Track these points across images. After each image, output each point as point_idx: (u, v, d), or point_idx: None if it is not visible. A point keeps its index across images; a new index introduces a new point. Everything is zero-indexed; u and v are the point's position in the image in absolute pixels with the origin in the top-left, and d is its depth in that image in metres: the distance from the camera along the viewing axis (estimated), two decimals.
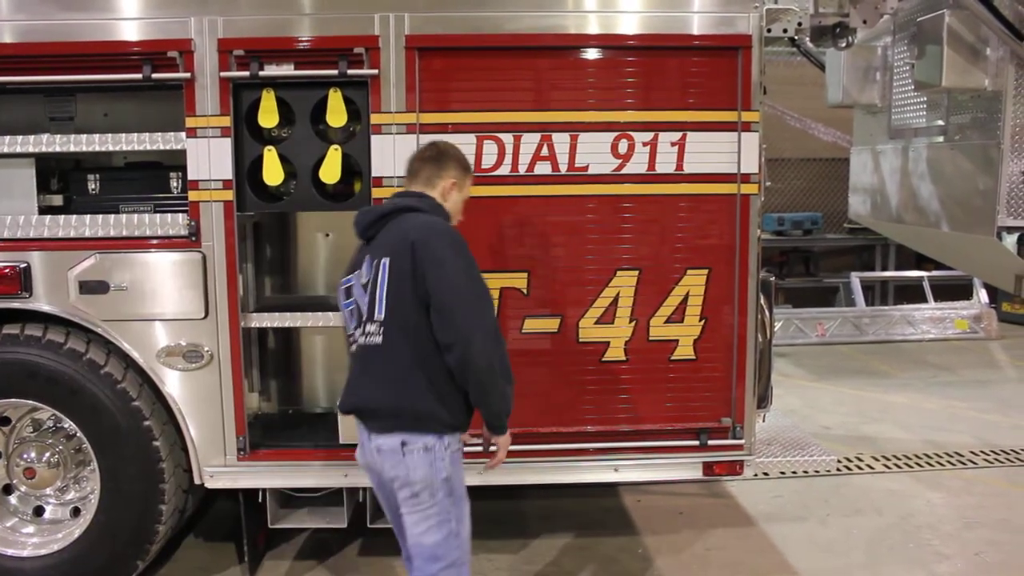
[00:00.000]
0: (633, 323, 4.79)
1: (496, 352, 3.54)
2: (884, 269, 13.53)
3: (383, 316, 3.56)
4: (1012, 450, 7.45)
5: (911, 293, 12.78)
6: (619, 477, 4.93)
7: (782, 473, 6.05)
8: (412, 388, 3.54)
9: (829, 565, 5.36)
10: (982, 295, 12.27)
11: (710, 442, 4.86)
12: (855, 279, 12.61)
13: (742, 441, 4.87)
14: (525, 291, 4.78)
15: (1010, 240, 5.18)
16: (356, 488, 4.96)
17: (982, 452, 7.40)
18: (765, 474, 6.32)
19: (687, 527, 5.86)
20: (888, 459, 7.22)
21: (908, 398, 9.19)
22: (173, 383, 4.74)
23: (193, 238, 4.64)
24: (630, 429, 4.86)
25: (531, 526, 5.85)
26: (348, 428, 4.82)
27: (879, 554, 5.51)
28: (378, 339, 3.57)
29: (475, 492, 5.17)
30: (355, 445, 4.72)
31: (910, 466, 7.07)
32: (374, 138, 4.61)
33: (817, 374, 10.23)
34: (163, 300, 4.67)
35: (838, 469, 6.86)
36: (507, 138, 4.67)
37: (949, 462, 7.17)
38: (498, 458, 3.84)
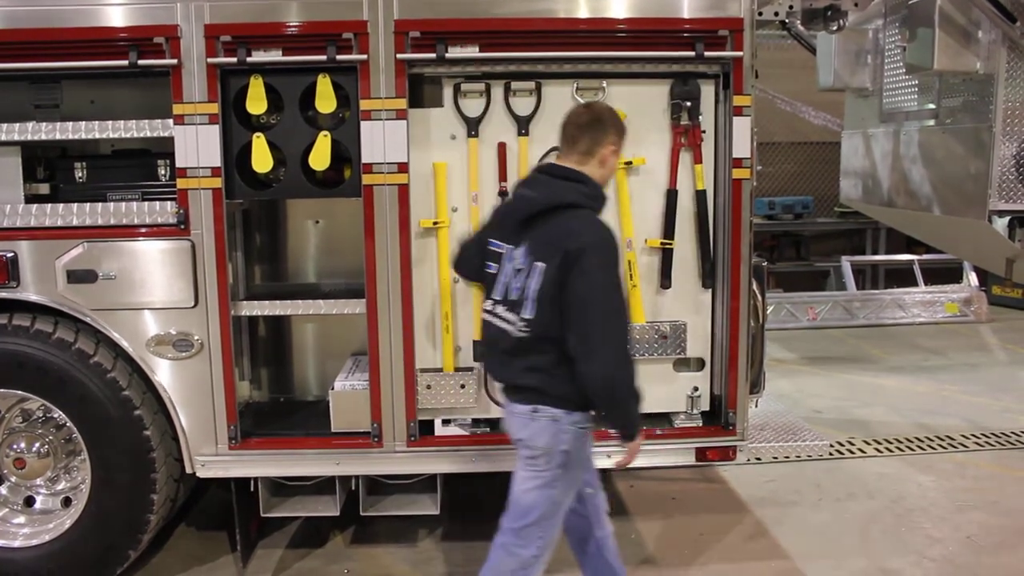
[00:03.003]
0: None
1: (620, 376, 3.61)
2: (875, 253, 13.55)
3: (531, 316, 3.64)
4: (1003, 433, 7.48)
5: (902, 277, 12.81)
6: (612, 463, 4.92)
7: (774, 458, 6.03)
8: (551, 378, 3.67)
9: (821, 549, 5.38)
10: (972, 278, 12.30)
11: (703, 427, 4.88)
12: (846, 263, 12.63)
13: (735, 426, 4.88)
14: None
15: (1001, 224, 5.18)
16: (348, 476, 4.95)
17: (973, 435, 7.43)
18: (758, 459, 6.31)
19: (680, 512, 5.88)
20: (879, 443, 7.24)
21: (899, 382, 9.22)
22: (163, 372, 4.71)
23: (182, 226, 4.60)
24: None
25: None
26: (340, 416, 4.82)
27: (871, 537, 5.53)
28: (525, 334, 3.67)
29: (469, 478, 5.21)
30: (347, 433, 4.82)
31: (901, 450, 7.09)
32: (364, 124, 4.57)
33: (808, 358, 10.25)
34: (152, 289, 4.63)
35: (830, 453, 6.85)
36: None
37: (940, 445, 7.19)
38: (625, 460, 4.06)
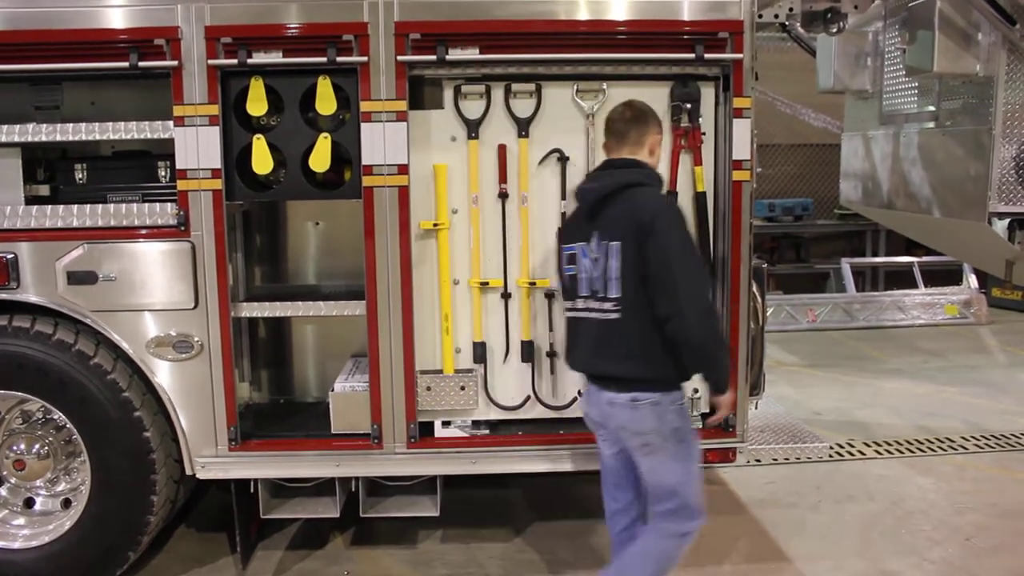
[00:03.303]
0: None
1: (710, 325, 3.86)
2: (874, 255, 13.56)
3: (618, 295, 3.85)
4: (1002, 435, 7.48)
5: (901, 279, 12.81)
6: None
7: (774, 460, 6.06)
8: (646, 359, 3.86)
9: (821, 551, 5.38)
10: (972, 280, 12.30)
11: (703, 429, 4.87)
12: (845, 265, 12.63)
13: (735, 428, 4.88)
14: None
15: (1001, 226, 5.18)
16: (348, 478, 4.95)
17: (973, 437, 7.43)
18: (757, 461, 6.34)
19: None
20: (879, 445, 7.24)
21: (899, 384, 9.22)
22: (163, 373, 4.71)
23: (182, 227, 4.61)
24: None
25: (524, 514, 5.85)
26: (340, 417, 4.82)
27: (871, 539, 5.53)
28: (615, 315, 3.86)
29: (469, 480, 5.21)
30: (347, 435, 4.80)
31: (901, 452, 7.10)
32: (364, 126, 4.57)
33: (808, 360, 10.25)
34: (152, 290, 4.63)
35: (830, 455, 6.84)
36: None
37: (940, 447, 7.19)
38: (720, 415, 4.20)
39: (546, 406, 4.93)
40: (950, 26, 4.98)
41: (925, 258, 12.45)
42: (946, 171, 5.47)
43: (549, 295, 4.84)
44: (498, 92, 4.71)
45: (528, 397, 4.92)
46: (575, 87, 4.71)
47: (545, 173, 4.79)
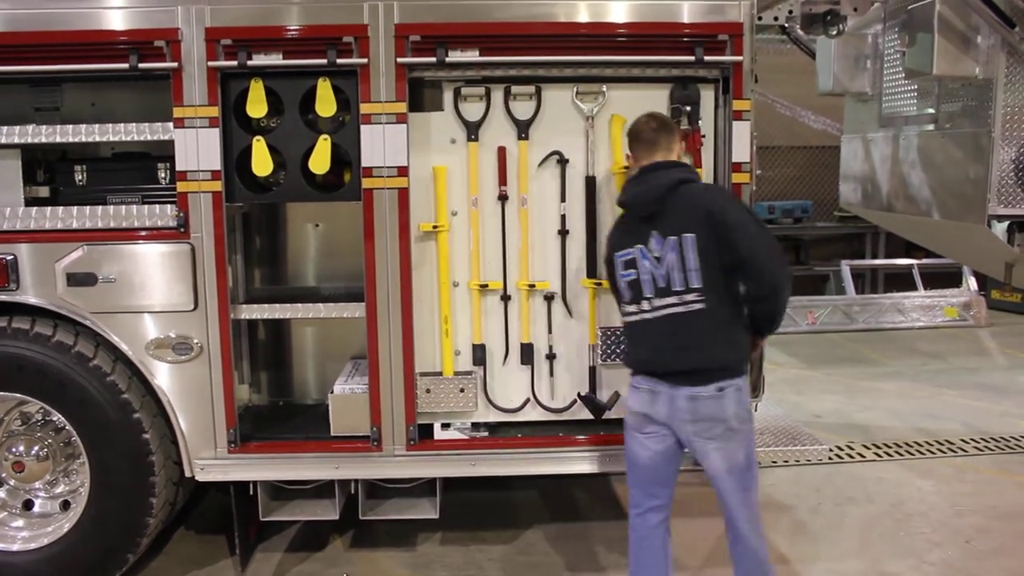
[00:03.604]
0: None
1: (789, 287, 4.08)
2: (874, 257, 13.57)
3: (700, 285, 3.96)
4: (1002, 437, 7.48)
5: (901, 281, 12.81)
6: (611, 468, 4.93)
7: (773, 462, 6.06)
8: (730, 344, 4.04)
9: (820, 553, 5.38)
10: (971, 283, 12.30)
11: None
12: (845, 267, 12.63)
13: None
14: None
15: (1000, 228, 5.17)
16: (347, 480, 4.94)
17: (972, 440, 7.42)
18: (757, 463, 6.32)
19: (678, 516, 5.77)
20: (879, 447, 7.24)
21: (898, 386, 9.22)
22: (163, 375, 4.71)
23: (182, 229, 4.61)
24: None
25: (524, 516, 5.85)
26: (339, 420, 4.82)
27: (870, 542, 5.53)
28: (700, 305, 3.97)
29: (468, 482, 5.21)
30: (347, 437, 4.80)
31: (901, 454, 7.09)
32: (364, 128, 4.57)
33: (808, 362, 10.25)
34: (152, 292, 4.63)
35: (829, 458, 6.86)
36: None
37: (939, 450, 7.19)
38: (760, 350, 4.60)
39: (545, 408, 4.93)
40: (949, 29, 4.98)
41: (925, 260, 12.46)
42: (945, 173, 5.47)
43: (549, 297, 4.84)
44: (498, 94, 4.72)
45: (527, 400, 4.92)
46: (575, 89, 4.71)
47: (545, 175, 4.79)
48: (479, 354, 4.86)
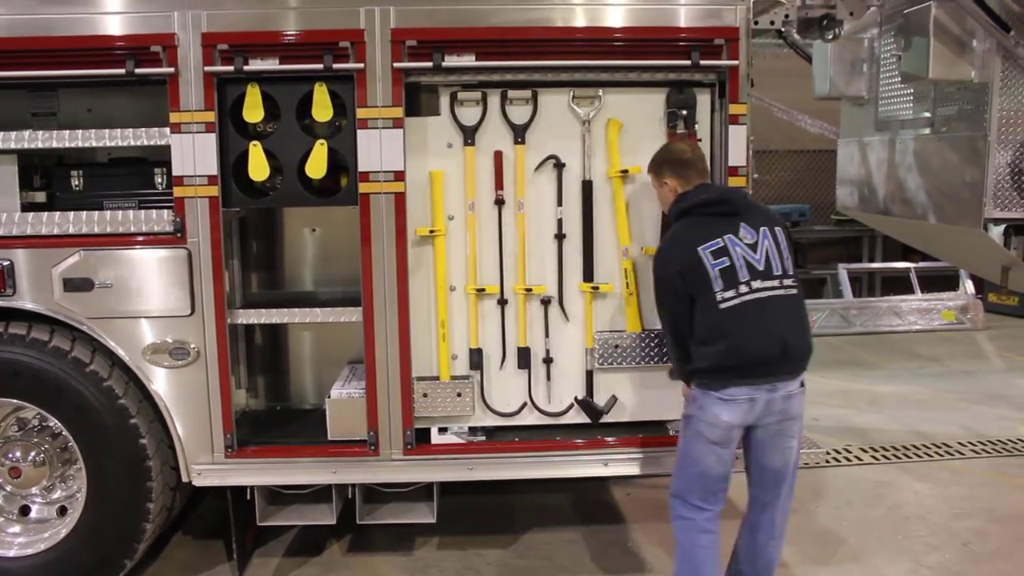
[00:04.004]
0: None
1: None
2: (871, 260, 13.57)
3: (791, 270, 4.14)
4: (999, 440, 7.48)
5: (898, 284, 12.82)
6: (609, 471, 4.94)
7: None
8: (809, 330, 4.22)
9: (818, 556, 5.37)
10: (969, 286, 12.31)
11: None
12: (842, 271, 12.64)
13: None
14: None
15: (996, 232, 5.19)
16: (345, 485, 4.94)
17: (970, 443, 7.42)
18: None
19: None
20: (876, 450, 7.24)
21: (896, 389, 9.22)
22: (159, 380, 4.70)
23: (178, 234, 4.60)
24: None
25: (521, 521, 5.84)
26: (337, 424, 4.82)
27: (868, 545, 5.52)
28: (795, 291, 4.14)
29: (465, 486, 5.21)
30: (344, 442, 4.80)
31: (898, 457, 7.09)
32: (360, 132, 4.58)
33: None
34: (148, 297, 4.63)
35: (827, 461, 6.89)
36: None
37: (937, 453, 7.20)
38: None
39: (542, 412, 4.92)
40: (945, 33, 4.99)
41: (922, 264, 12.47)
42: (941, 177, 5.49)
43: (545, 301, 4.84)
44: (494, 99, 4.72)
45: (524, 404, 4.92)
46: (571, 93, 4.71)
47: (541, 179, 4.79)
48: (476, 358, 4.86)
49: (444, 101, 4.74)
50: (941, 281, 12.47)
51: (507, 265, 4.82)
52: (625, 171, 4.72)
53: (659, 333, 4.77)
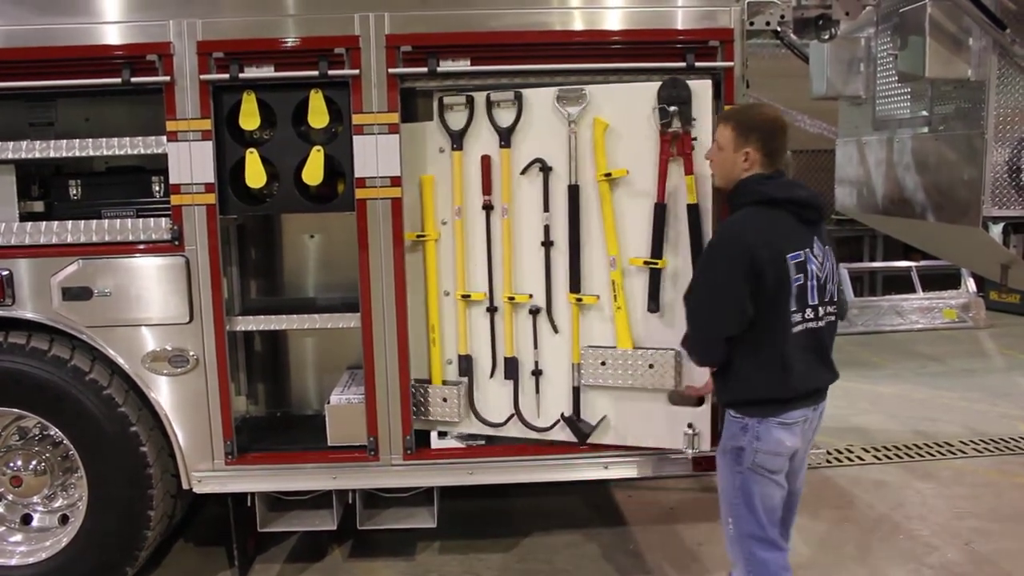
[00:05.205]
0: None
1: None
2: (872, 260, 13.55)
3: (836, 296, 3.84)
4: (1001, 439, 7.47)
5: (899, 283, 12.79)
6: (609, 474, 4.92)
7: None
8: None
9: (820, 557, 5.37)
10: (970, 284, 12.29)
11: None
12: (843, 270, 12.55)
13: None
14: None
15: (995, 230, 5.18)
16: (345, 490, 4.94)
17: (971, 442, 7.41)
18: None
19: (678, 522, 5.86)
20: (878, 450, 7.23)
21: (897, 388, 9.21)
22: (159, 388, 4.71)
23: (176, 242, 4.62)
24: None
25: (522, 524, 5.83)
26: (336, 430, 4.83)
27: (870, 545, 5.52)
28: (834, 317, 3.85)
29: (466, 491, 5.20)
30: (344, 447, 4.80)
31: (900, 457, 7.08)
32: (356, 139, 4.58)
33: None
34: (147, 305, 4.64)
35: (828, 461, 6.89)
36: None
37: (939, 452, 7.19)
38: None
39: (527, 426, 4.86)
40: (941, 31, 4.99)
41: (923, 263, 12.44)
42: (940, 176, 5.48)
43: (534, 311, 4.77)
44: (480, 101, 4.69)
45: (511, 415, 4.88)
46: (556, 93, 4.61)
47: (528, 184, 4.73)
48: (464, 365, 4.85)
49: (434, 106, 4.75)
50: (942, 280, 12.45)
51: (495, 272, 4.80)
52: (608, 174, 4.59)
53: (652, 353, 4.61)
